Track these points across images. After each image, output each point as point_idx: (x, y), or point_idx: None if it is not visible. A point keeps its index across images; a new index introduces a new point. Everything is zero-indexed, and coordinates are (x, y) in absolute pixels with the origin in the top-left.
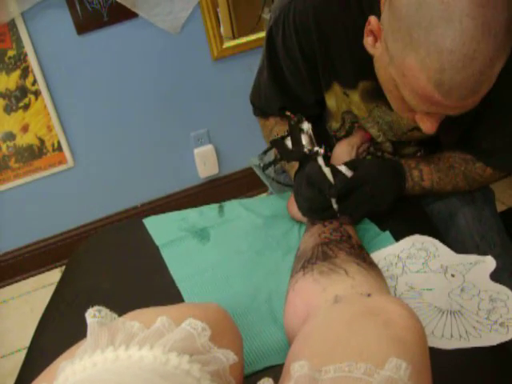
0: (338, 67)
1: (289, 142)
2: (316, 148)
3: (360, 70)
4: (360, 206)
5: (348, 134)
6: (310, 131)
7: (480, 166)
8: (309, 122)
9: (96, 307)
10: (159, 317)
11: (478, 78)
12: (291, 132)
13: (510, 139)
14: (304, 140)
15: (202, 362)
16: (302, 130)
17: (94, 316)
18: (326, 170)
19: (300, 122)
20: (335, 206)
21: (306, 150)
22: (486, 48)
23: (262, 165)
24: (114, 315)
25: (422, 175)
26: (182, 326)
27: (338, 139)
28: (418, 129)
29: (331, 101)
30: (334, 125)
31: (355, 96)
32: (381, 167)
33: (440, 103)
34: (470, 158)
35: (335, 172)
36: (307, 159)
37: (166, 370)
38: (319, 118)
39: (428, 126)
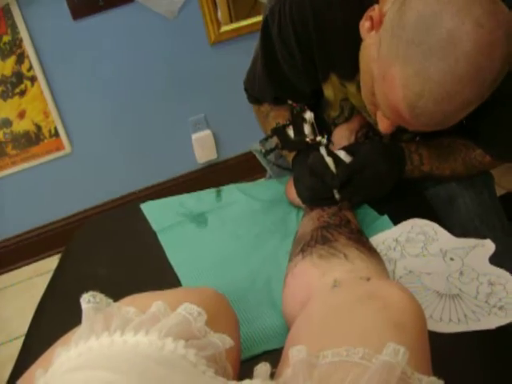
0: (336, 59)
1: (290, 131)
2: (319, 138)
3: (358, 62)
4: (359, 191)
5: (348, 121)
6: (313, 120)
7: (480, 152)
8: (311, 111)
9: (91, 292)
10: (155, 302)
11: (449, 115)
12: (293, 121)
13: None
14: (306, 129)
15: (198, 347)
16: (304, 119)
17: (88, 301)
18: (329, 160)
19: (302, 111)
20: (337, 195)
21: (308, 139)
22: (468, 93)
23: (263, 151)
24: (110, 300)
25: (421, 159)
26: (178, 311)
27: (337, 126)
28: None
29: (329, 91)
30: (333, 113)
31: (352, 87)
32: (379, 152)
33: (404, 119)
34: (471, 144)
35: (337, 161)
36: (308, 148)
37: (161, 356)
38: (316, 106)
39: (385, 127)
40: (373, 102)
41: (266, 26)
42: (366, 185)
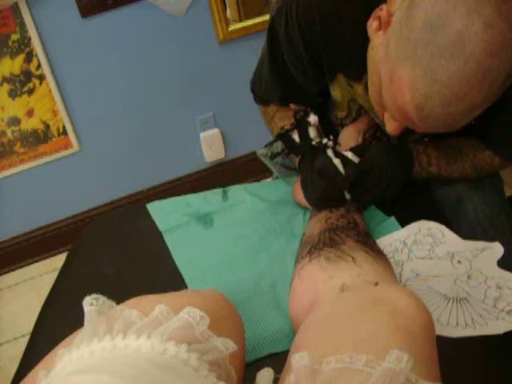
0: (343, 60)
1: (295, 135)
2: (325, 140)
3: (365, 62)
4: (367, 192)
5: (355, 121)
6: (318, 123)
7: (489, 154)
8: (315, 113)
9: (93, 295)
10: (157, 305)
11: (457, 118)
12: (298, 126)
13: None
14: (312, 133)
15: (201, 351)
16: (308, 123)
17: (91, 304)
18: (337, 162)
19: (306, 115)
20: (348, 196)
21: (314, 142)
22: (477, 95)
23: (269, 154)
24: (112, 303)
25: (429, 161)
26: (180, 315)
27: (346, 125)
28: None
29: (336, 91)
30: (340, 114)
31: (360, 88)
32: (388, 153)
33: (412, 121)
34: (480, 145)
35: (345, 162)
36: (313, 150)
37: (163, 360)
38: (323, 106)
39: (392, 129)
40: (380, 103)
41: (272, 28)
42: (374, 186)
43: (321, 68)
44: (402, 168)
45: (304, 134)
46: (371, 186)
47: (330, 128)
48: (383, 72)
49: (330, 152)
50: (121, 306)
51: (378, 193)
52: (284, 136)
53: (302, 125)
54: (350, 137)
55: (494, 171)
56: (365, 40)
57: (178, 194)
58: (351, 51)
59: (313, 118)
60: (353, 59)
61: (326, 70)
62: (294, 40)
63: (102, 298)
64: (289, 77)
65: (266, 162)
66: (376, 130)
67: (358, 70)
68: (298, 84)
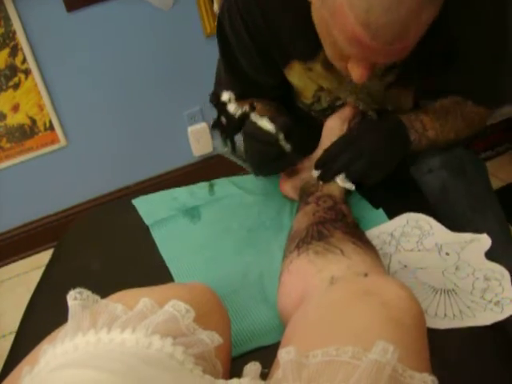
0: (292, 44)
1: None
2: (244, 108)
3: (312, 38)
4: (356, 162)
5: (329, 109)
6: (233, 98)
7: (471, 104)
8: (227, 90)
9: (77, 289)
10: (142, 299)
11: (404, 22)
12: (218, 111)
13: (488, 73)
14: (231, 108)
15: (186, 345)
16: (224, 103)
17: (75, 298)
18: (264, 121)
19: (218, 97)
20: (287, 146)
21: (236, 116)
22: None
23: (225, 150)
24: (97, 297)
25: (424, 125)
26: (165, 308)
27: (317, 112)
28: (394, 84)
29: (294, 79)
30: (305, 101)
31: (318, 67)
32: (375, 124)
33: (367, 45)
34: (460, 99)
35: (273, 119)
36: (240, 123)
37: (148, 354)
38: (288, 95)
39: (358, 74)
40: (338, 56)
41: (220, 24)
42: (364, 156)
43: (271, 56)
44: (393, 140)
45: (227, 115)
46: (358, 156)
47: (299, 115)
48: (325, 13)
49: (253, 116)
50: (105, 301)
51: (366, 165)
52: (216, 125)
53: (220, 108)
54: (335, 126)
55: (483, 122)
56: (304, 16)
57: (167, 189)
58: (298, 33)
59: (225, 96)
60: (302, 40)
61: (278, 58)
62: (240, 33)
63: (87, 292)
64: (242, 72)
65: (233, 158)
66: (362, 119)
67: (309, 48)
68: (253, 79)
